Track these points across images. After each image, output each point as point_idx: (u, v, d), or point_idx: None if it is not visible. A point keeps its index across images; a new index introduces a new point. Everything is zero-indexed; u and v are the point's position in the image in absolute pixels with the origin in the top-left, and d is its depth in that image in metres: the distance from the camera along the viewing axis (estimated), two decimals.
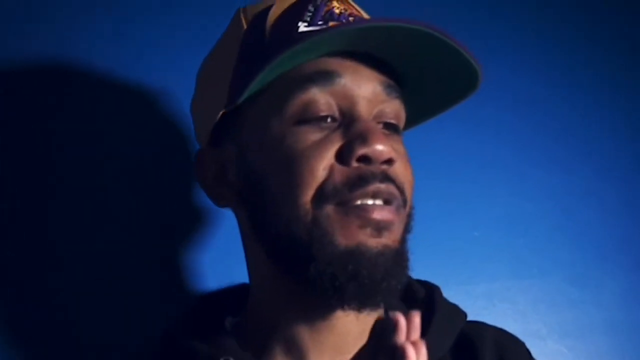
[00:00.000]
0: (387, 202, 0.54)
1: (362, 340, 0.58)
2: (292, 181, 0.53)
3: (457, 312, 0.63)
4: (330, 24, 0.55)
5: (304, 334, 0.57)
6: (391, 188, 0.54)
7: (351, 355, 0.58)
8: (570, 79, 0.95)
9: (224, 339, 0.58)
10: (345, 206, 0.53)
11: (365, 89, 0.56)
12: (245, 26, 0.58)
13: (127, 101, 0.78)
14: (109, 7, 0.79)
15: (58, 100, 0.76)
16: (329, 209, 0.53)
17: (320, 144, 0.54)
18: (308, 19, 0.55)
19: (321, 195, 0.53)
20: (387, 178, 0.54)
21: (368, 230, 0.53)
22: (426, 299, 0.62)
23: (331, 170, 0.53)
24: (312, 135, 0.54)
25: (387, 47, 0.56)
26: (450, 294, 0.64)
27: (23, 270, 0.72)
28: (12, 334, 0.72)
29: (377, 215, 0.53)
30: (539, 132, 0.93)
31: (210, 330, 0.60)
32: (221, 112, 0.57)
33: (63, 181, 0.75)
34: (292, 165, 0.53)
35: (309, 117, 0.54)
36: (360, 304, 0.53)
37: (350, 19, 0.57)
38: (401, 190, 0.55)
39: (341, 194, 0.53)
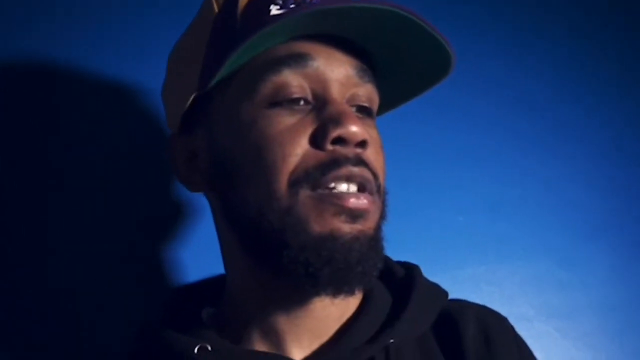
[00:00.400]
0: (361, 187, 0.54)
1: (340, 322, 0.58)
2: (265, 167, 0.53)
3: (437, 291, 0.63)
4: (303, 7, 0.54)
5: (281, 319, 0.57)
6: (365, 172, 0.54)
7: (329, 337, 0.58)
8: (553, 66, 0.96)
9: (201, 329, 0.58)
10: (320, 191, 0.52)
11: (338, 72, 0.55)
12: (216, 10, 0.57)
13: (107, 98, 0.77)
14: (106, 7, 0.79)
15: (44, 98, 0.76)
16: (304, 195, 0.52)
17: (293, 129, 0.53)
18: (280, 1, 0.54)
19: (294, 181, 0.52)
20: (360, 162, 0.54)
21: (342, 217, 0.52)
22: (405, 278, 0.62)
23: (305, 155, 0.53)
24: (285, 118, 0.53)
25: (361, 31, 0.55)
26: (437, 279, 0.64)
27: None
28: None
29: (353, 203, 0.52)
30: (521, 118, 0.93)
31: (187, 321, 0.59)
32: (192, 98, 0.56)
33: (45, 179, 0.75)
34: (264, 151, 0.53)
35: (281, 100, 0.54)
36: (336, 289, 0.53)
37: None
38: (375, 175, 0.55)
39: (313, 177, 0.52)
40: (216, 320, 0.61)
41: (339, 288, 0.53)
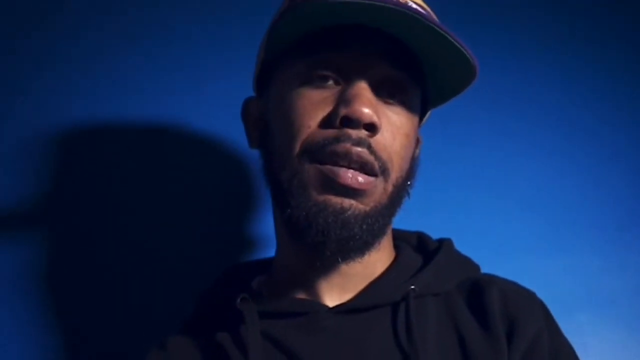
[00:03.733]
0: (363, 168, 0.57)
1: (366, 281, 0.63)
2: (286, 134, 0.59)
3: (466, 260, 0.67)
4: None
5: (314, 274, 0.62)
6: (364, 153, 0.57)
7: (357, 292, 0.62)
8: (578, 77, 0.99)
9: (248, 290, 0.64)
10: (321, 164, 0.57)
11: (370, 59, 0.59)
12: (286, 4, 0.64)
13: (196, 133, 0.87)
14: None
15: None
16: (308, 165, 0.57)
17: (315, 104, 0.59)
18: None
19: (303, 151, 0.58)
20: (363, 143, 0.57)
21: (334, 192, 0.57)
22: (437, 249, 0.67)
23: (316, 129, 0.58)
24: (312, 94, 0.59)
25: (396, 27, 0.58)
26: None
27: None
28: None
29: (345, 180, 0.56)
30: (553, 130, 0.97)
31: (238, 287, 0.65)
32: (257, 69, 0.65)
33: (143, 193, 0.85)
34: (288, 121, 0.59)
35: (312, 78, 0.59)
36: (319, 250, 0.58)
37: None
38: (381, 160, 0.58)
39: (315, 150, 0.57)
40: (264, 285, 0.67)
41: (321, 250, 0.57)
